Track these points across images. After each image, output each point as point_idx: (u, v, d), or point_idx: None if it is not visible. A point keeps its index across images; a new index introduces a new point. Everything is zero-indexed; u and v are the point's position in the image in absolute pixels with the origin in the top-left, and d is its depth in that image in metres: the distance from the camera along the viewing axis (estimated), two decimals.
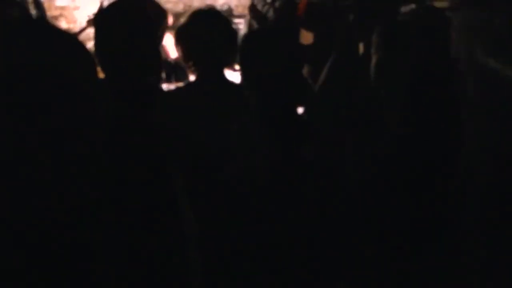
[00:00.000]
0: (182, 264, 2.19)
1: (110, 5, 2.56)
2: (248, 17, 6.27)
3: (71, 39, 1.82)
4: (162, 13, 5.99)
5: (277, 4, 4.80)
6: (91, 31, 6.21)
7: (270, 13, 5.26)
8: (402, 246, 2.23)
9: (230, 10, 7.53)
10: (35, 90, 1.63)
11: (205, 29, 2.81)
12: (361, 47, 3.22)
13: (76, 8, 10.00)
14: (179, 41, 2.89)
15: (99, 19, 2.51)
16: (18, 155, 1.71)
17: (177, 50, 2.93)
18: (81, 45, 1.83)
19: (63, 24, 9.42)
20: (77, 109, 1.75)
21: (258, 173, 2.18)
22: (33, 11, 6.09)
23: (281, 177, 2.21)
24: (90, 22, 6.26)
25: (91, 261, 1.87)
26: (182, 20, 2.93)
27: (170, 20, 5.96)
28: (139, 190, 2.18)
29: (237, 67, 2.85)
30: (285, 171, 2.22)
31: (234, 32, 2.93)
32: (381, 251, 2.24)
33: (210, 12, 2.93)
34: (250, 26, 5.65)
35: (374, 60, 2.38)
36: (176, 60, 5.85)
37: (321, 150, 2.32)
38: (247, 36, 2.41)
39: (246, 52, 2.27)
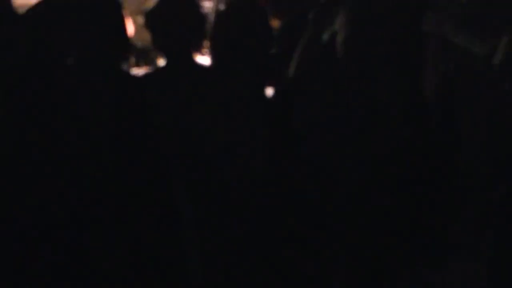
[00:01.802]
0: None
1: None
2: None
3: None
4: None
5: None
6: None
7: None
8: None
9: None
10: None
11: (173, 13, 2.78)
12: None
13: None
14: (148, 25, 2.86)
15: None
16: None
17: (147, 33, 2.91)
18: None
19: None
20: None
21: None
22: None
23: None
24: None
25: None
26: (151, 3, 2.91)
27: None
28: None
29: (205, 50, 2.85)
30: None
31: (203, 16, 2.91)
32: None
33: None
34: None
35: (340, 38, 2.36)
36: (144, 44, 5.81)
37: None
38: (219, 12, 2.39)
39: (216, 30, 2.24)
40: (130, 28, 3.15)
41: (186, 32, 2.70)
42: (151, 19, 2.84)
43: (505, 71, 2.48)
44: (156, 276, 2.18)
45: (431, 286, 2.23)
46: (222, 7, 5.30)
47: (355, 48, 2.33)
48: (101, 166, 2.06)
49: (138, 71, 4.86)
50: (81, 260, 1.85)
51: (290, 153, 2.33)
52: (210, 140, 2.29)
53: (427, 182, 2.34)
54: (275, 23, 4.86)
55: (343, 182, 2.32)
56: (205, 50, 2.91)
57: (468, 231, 2.31)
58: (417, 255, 2.22)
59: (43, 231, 1.75)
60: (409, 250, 2.22)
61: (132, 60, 5.09)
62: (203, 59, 3.00)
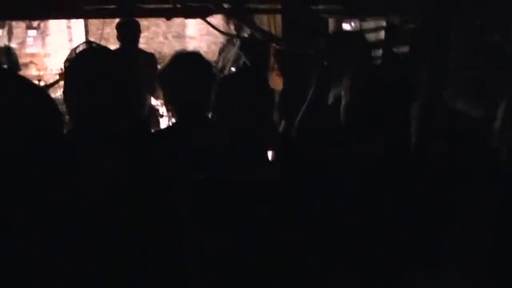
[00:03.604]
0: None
1: (79, 54, 2.54)
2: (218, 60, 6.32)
3: (39, 91, 1.83)
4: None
5: (248, 48, 4.85)
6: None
7: (241, 57, 5.32)
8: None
9: None
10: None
11: (188, 72, 2.80)
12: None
13: (47, 55, 10.03)
14: (161, 84, 2.88)
15: (68, 69, 2.50)
16: None
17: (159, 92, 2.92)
18: (49, 97, 1.84)
19: (33, 72, 9.42)
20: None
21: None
22: (3, 60, 6.09)
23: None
24: (62, 75, 6.24)
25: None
26: (165, 62, 2.93)
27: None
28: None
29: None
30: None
31: (216, 75, 2.92)
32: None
33: (193, 55, 2.92)
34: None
35: (343, 103, 2.40)
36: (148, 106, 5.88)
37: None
38: (221, 79, 2.41)
39: (220, 95, 2.27)
40: None
41: (199, 92, 2.70)
42: (164, 78, 2.86)
43: (504, 136, 2.51)
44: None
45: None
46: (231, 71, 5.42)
47: (356, 114, 2.35)
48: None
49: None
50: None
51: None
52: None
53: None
54: (279, 83, 4.96)
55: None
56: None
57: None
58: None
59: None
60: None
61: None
62: None
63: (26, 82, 1.83)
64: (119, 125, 2.44)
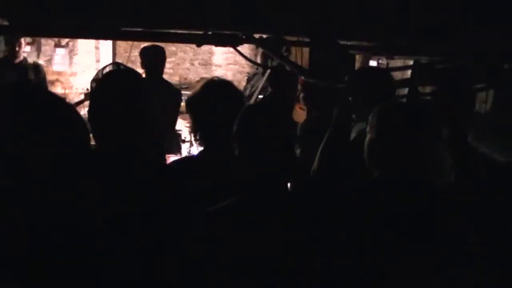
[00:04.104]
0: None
1: (106, 75, 2.57)
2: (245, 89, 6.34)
3: (68, 106, 1.85)
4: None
5: (275, 79, 4.86)
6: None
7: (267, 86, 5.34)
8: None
9: None
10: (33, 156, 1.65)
11: (219, 100, 2.79)
12: None
13: (73, 74, 10.13)
14: (189, 110, 2.87)
15: (95, 89, 2.53)
16: None
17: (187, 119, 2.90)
18: (77, 113, 1.86)
19: (58, 89, 9.51)
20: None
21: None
22: (32, 76, 6.16)
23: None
24: (88, 95, 6.26)
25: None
26: (194, 89, 2.91)
27: None
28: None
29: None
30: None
31: (244, 103, 2.90)
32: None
33: (224, 83, 2.92)
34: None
35: (368, 138, 2.40)
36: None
37: None
38: (244, 108, 2.41)
39: (241, 123, 2.27)
40: None
41: (228, 121, 2.59)
42: (193, 105, 2.86)
43: None
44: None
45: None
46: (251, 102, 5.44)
47: (378, 152, 2.35)
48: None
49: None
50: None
51: None
52: None
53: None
54: (302, 115, 4.97)
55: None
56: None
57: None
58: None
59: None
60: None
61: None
62: None
63: (55, 97, 1.85)
64: (139, 147, 2.46)
